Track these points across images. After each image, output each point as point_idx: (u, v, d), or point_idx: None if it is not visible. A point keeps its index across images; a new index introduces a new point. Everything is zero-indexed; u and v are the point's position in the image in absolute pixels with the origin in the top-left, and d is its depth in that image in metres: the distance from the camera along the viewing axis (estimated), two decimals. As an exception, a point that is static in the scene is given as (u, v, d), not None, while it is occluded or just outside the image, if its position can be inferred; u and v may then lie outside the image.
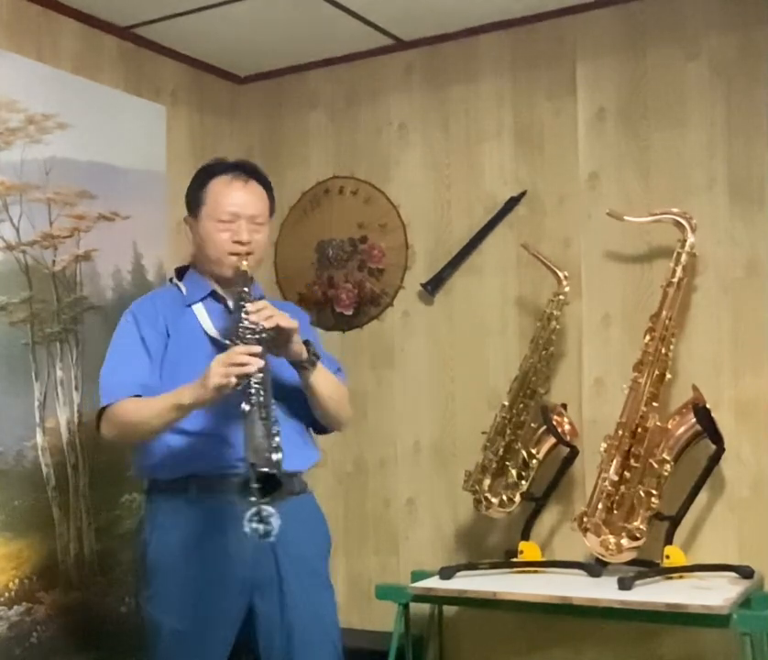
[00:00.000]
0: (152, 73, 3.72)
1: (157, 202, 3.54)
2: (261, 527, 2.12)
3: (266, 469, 2.11)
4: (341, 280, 3.94)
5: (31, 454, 3.12)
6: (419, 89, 3.80)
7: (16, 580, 3.04)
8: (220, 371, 2.28)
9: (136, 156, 3.53)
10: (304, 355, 2.49)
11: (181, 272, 2.70)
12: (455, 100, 3.73)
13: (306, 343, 2.50)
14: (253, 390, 2.24)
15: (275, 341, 2.43)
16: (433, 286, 3.74)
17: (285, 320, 2.43)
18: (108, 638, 3.33)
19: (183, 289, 2.65)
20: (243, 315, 2.38)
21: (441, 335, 3.75)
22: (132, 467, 2.68)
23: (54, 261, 3.23)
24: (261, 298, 2.63)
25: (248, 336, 2.34)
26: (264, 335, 2.37)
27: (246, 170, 2.62)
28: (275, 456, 2.15)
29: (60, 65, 3.32)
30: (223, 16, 3.45)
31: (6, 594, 3.01)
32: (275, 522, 2.13)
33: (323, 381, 2.56)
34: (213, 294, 2.61)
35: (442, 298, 3.75)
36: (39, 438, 3.15)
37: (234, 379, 2.26)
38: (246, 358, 2.27)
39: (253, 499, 2.10)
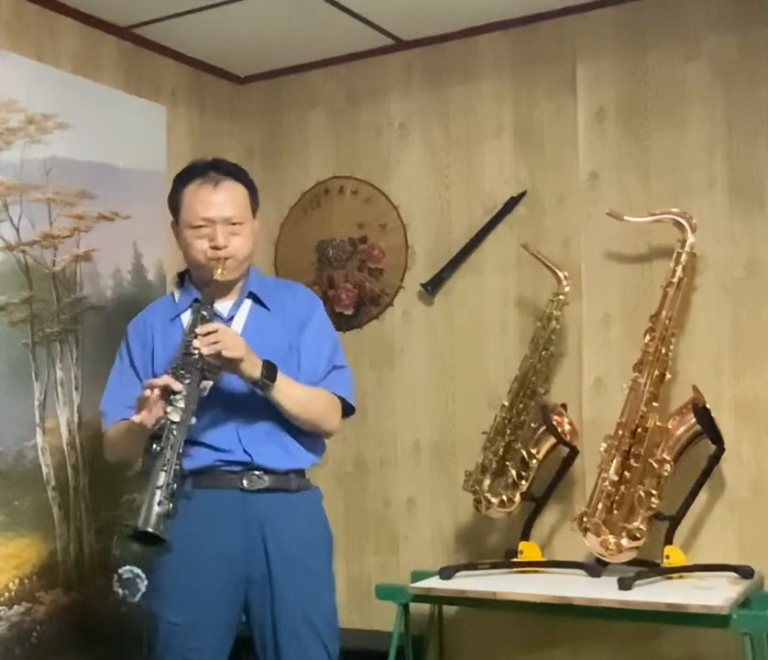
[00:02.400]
0: (152, 73, 3.72)
1: (157, 202, 3.51)
2: (120, 591, 2.19)
3: (148, 529, 2.16)
4: (341, 280, 3.94)
5: (31, 454, 3.12)
6: (419, 89, 3.81)
7: (16, 580, 3.04)
8: (136, 404, 2.34)
9: (136, 156, 3.53)
10: (256, 375, 2.43)
11: (183, 277, 2.69)
12: (455, 100, 3.73)
13: (265, 363, 2.45)
14: (166, 431, 2.26)
15: (223, 364, 2.41)
16: (433, 286, 3.74)
17: (230, 350, 2.38)
18: (108, 638, 3.31)
19: (177, 297, 2.65)
20: (191, 338, 2.37)
21: (441, 335, 3.75)
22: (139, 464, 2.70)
23: (54, 261, 3.24)
24: (250, 294, 2.62)
25: (186, 364, 2.34)
26: (199, 365, 2.34)
27: (219, 170, 2.57)
28: (164, 508, 2.19)
29: (60, 65, 3.32)
30: (223, 16, 3.45)
31: (6, 594, 3.01)
32: (141, 583, 2.21)
33: (286, 397, 2.50)
34: (198, 302, 2.58)
35: (442, 298, 3.75)
36: (39, 438, 3.15)
37: (137, 419, 2.30)
38: (147, 394, 2.29)
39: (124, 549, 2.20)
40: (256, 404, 2.52)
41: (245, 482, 2.50)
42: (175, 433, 2.26)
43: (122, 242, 3.49)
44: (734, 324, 3.27)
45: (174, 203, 2.59)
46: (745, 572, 3.10)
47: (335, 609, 2.63)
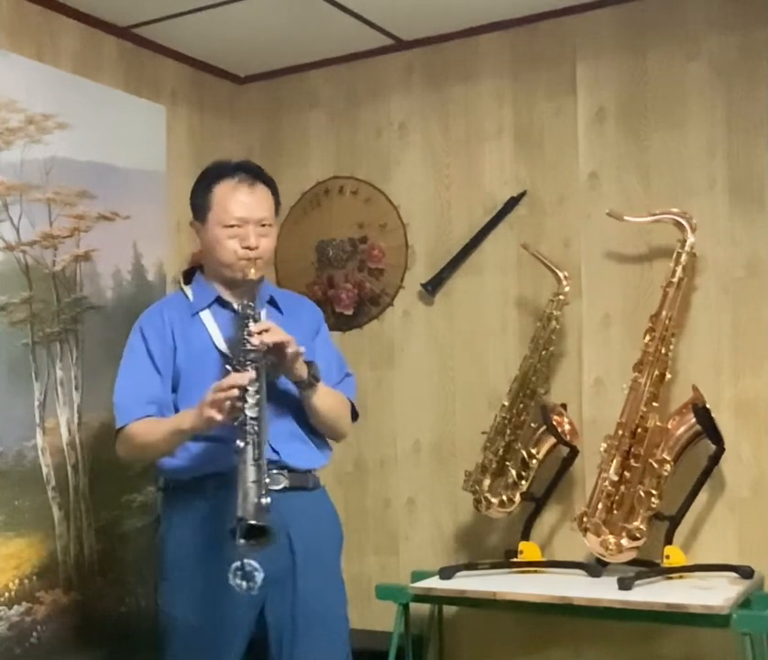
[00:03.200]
0: (152, 73, 3.72)
1: (157, 202, 3.54)
2: (244, 584, 2.18)
3: (253, 522, 2.15)
4: (341, 280, 3.94)
5: (31, 454, 3.12)
6: (419, 89, 3.81)
7: (16, 580, 3.04)
8: (209, 400, 2.31)
9: (136, 156, 3.53)
10: (305, 376, 2.48)
11: (188, 275, 2.69)
12: (455, 100, 3.73)
13: (309, 364, 2.50)
14: (248, 426, 2.25)
15: (278, 363, 2.43)
16: (433, 286, 3.74)
17: (290, 345, 2.42)
18: (108, 638, 3.33)
19: (190, 295, 2.63)
20: (246, 335, 2.37)
21: (441, 335, 3.75)
22: (152, 466, 2.68)
23: (54, 261, 3.23)
24: (270, 299, 2.65)
25: (249, 361, 2.34)
26: (265, 360, 2.35)
27: (252, 173, 2.60)
28: (264, 501, 2.18)
29: (60, 65, 3.32)
30: (223, 16, 3.45)
31: (6, 594, 3.01)
32: (258, 576, 2.18)
33: (322, 400, 2.56)
34: (219, 300, 2.59)
35: (442, 298, 3.75)
36: (39, 438, 3.15)
37: (219, 416, 2.28)
38: (233, 381, 2.28)
39: (239, 548, 2.16)
40: (279, 404, 2.54)
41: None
42: (257, 428, 2.25)
43: (122, 242, 3.49)
44: (734, 324, 3.27)
45: (201, 202, 2.59)
46: (745, 572, 3.10)
47: (347, 605, 2.66)
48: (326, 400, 2.58)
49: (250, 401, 2.28)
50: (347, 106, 3.94)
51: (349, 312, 3.91)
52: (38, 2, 3.25)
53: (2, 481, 3.02)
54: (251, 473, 2.21)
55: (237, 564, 2.17)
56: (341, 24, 3.56)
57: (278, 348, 2.40)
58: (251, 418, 2.26)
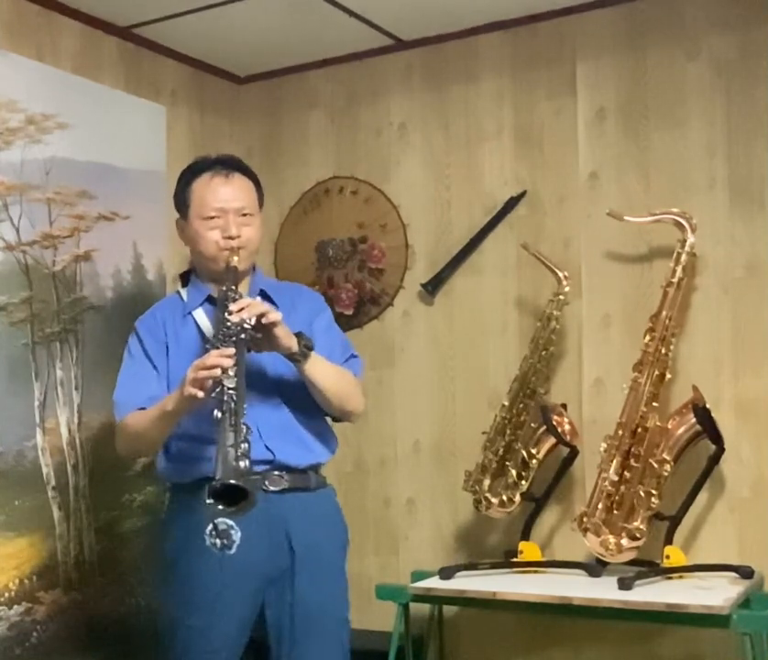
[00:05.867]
0: (152, 73, 3.72)
1: (157, 202, 3.54)
2: (218, 542, 2.15)
3: (231, 481, 2.13)
4: (341, 280, 3.94)
5: (31, 454, 3.12)
6: (419, 89, 3.81)
7: (16, 580, 3.04)
8: (191, 378, 2.30)
9: (136, 156, 3.53)
10: (294, 347, 2.45)
11: (185, 277, 2.70)
12: (455, 100, 3.73)
13: (298, 335, 2.48)
14: (225, 397, 2.25)
15: (262, 337, 2.41)
16: (433, 286, 3.74)
17: (269, 315, 2.40)
18: (108, 638, 3.33)
19: (184, 295, 2.65)
20: (226, 315, 2.37)
21: (441, 335, 3.75)
22: (155, 469, 2.67)
23: (54, 261, 3.23)
24: (261, 292, 2.64)
25: (229, 337, 2.33)
26: (244, 335, 2.35)
27: (228, 165, 2.61)
28: (241, 464, 2.16)
29: (60, 65, 3.32)
30: (223, 16, 3.45)
31: (6, 594, 3.01)
32: (235, 534, 2.15)
33: (320, 373, 2.52)
34: (211, 298, 2.59)
35: (442, 298, 3.75)
36: (39, 438, 3.15)
37: (201, 393, 2.27)
38: (218, 361, 2.27)
39: (212, 509, 2.13)
40: (272, 398, 2.54)
41: (267, 483, 2.49)
42: (235, 398, 2.24)
43: (122, 242, 3.49)
44: (734, 324, 3.27)
45: (182, 199, 2.60)
46: (745, 572, 3.10)
47: (349, 607, 2.65)
48: (328, 374, 2.54)
49: (230, 373, 2.27)
50: (347, 106, 3.94)
51: (349, 312, 3.91)
52: (38, 2, 3.25)
53: (2, 481, 3.02)
54: (229, 437, 2.19)
55: (210, 525, 2.14)
56: (341, 24, 3.56)
57: (259, 322, 2.38)
58: (229, 388, 2.25)
